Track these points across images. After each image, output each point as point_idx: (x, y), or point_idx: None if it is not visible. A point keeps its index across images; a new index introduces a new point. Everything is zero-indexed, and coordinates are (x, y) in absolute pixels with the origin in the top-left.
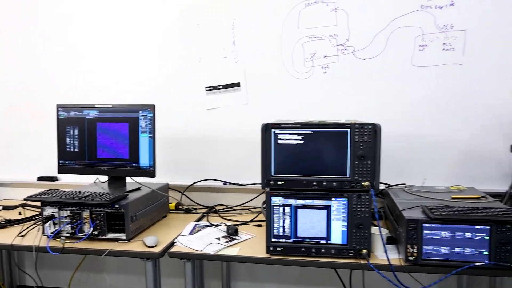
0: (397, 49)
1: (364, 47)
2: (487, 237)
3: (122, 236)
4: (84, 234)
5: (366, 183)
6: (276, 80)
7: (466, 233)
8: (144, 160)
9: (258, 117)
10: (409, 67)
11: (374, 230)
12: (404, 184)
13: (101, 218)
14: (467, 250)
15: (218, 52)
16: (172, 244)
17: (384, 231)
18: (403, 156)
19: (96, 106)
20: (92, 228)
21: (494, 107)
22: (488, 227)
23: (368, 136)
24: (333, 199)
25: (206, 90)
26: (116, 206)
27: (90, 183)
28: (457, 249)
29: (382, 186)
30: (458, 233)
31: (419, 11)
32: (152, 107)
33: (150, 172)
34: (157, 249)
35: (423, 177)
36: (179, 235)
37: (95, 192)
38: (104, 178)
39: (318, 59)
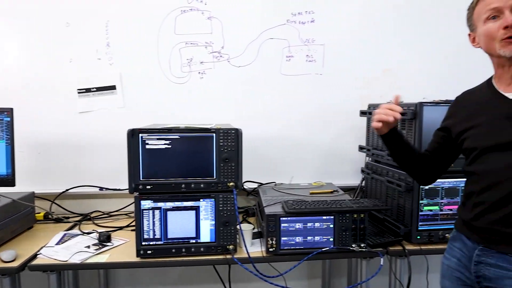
0: (267, 59)
1: (238, 55)
2: (331, 226)
3: None
4: None
5: (231, 184)
6: (153, 84)
7: (315, 223)
8: (0, 169)
9: (136, 120)
10: (278, 75)
11: (242, 226)
12: (274, 182)
13: None
14: (317, 238)
15: (91, 53)
16: (34, 256)
17: (250, 227)
18: (274, 157)
19: None
20: None
21: (347, 113)
22: (332, 217)
23: (231, 140)
24: (201, 200)
25: (79, 93)
26: None
27: None
28: (309, 237)
29: (254, 185)
30: (309, 224)
31: (286, 25)
32: (9, 111)
33: (8, 181)
34: (15, 264)
35: (290, 175)
36: (43, 246)
37: None
38: None
39: (195, 64)
